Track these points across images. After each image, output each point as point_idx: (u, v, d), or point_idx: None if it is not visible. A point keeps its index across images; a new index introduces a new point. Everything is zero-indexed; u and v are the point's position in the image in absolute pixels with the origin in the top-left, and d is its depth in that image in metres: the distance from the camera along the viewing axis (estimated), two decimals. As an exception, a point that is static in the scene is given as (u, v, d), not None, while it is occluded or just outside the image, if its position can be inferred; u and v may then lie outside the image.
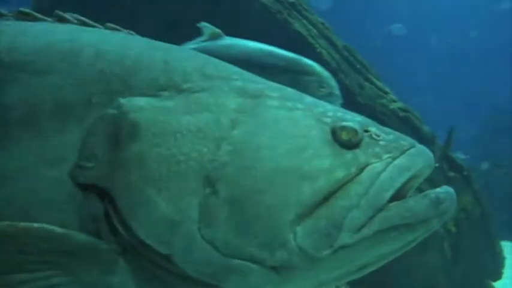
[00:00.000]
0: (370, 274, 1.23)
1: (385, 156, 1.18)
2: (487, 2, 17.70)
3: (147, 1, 4.25)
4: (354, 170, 1.16)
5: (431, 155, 1.22)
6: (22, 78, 1.29)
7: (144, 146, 1.18)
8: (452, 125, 5.00)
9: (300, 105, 1.26)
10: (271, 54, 3.27)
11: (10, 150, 1.22)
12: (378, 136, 1.21)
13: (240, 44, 3.36)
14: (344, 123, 1.20)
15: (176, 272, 1.17)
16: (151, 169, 1.16)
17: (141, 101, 1.24)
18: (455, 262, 4.40)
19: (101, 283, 1.17)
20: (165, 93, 1.26)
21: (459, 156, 5.25)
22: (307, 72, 3.25)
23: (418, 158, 1.20)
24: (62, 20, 1.43)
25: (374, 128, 1.23)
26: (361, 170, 1.16)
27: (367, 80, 4.55)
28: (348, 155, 1.18)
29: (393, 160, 1.18)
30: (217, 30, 3.41)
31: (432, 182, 2.70)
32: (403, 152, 1.19)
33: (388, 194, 1.14)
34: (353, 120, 1.23)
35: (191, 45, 3.35)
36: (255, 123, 1.21)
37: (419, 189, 1.20)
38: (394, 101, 4.51)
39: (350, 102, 3.66)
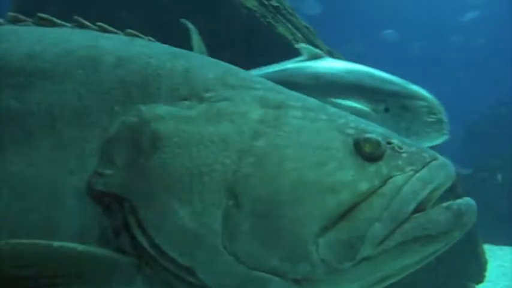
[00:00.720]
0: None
1: (408, 168, 1.18)
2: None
3: (128, 3, 4.23)
4: (377, 182, 1.16)
5: (452, 167, 1.23)
6: (42, 85, 1.27)
7: (166, 156, 1.17)
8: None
9: (323, 116, 1.25)
10: (377, 77, 3.14)
11: (30, 158, 1.20)
12: (401, 148, 1.21)
13: (341, 66, 3.24)
14: (367, 136, 1.20)
15: (196, 284, 1.16)
16: (174, 180, 1.15)
17: (162, 110, 1.23)
18: (438, 264, 4.42)
19: None
20: (187, 103, 1.25)
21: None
22: (418, 97, 3.11)
23: (440, 170, 1.20)
24: (81, 25, 1.41)
25: (396, 140, 1.23)
26: (384, 182, 1.16)
27: (351, 84, 4.57)
28: (371, 167, 1.18)
29: (415, 173, 1.18)
30: (317, 51, 3.33)
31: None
32: (425, 165, 1.19)
33: (411, 208, 1.14)
34: (376, 132, 1.23)
35: (289, 64, 3.27)
36: (277, 134, 1.20)
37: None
38: (378, 105, 4.53)
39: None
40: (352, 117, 1.28)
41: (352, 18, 17.03)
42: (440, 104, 3.21)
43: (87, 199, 1.18)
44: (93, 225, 1.17)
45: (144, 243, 1.15)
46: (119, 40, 1.38)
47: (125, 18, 4.14)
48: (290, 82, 3.26)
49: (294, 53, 3.35)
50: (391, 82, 3.14)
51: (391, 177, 1.17)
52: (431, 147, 1.34)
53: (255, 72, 3.49)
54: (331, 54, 4.66)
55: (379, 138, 1.21)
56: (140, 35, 1.41)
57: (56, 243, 1.11)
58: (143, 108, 1.23)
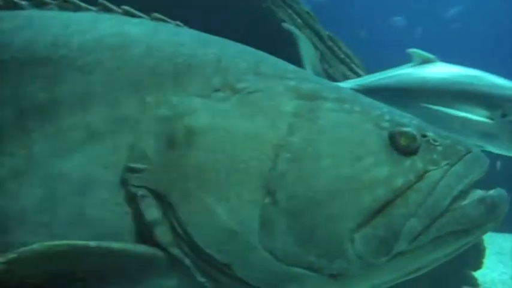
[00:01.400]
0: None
1: (443, 163, 1.17)
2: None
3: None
4: (412, 177, 1.15)
5: (486, 159, 1.23)
6: (71, 76, 1.23)
7: (201, 152, 1.15)
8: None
9: (357, 108, 1.23)
10: (491, 82, 3.00)
11: (62, 151, 1.18)
12: (435, 141, 1.20)
13: (453, 71, 3.13)
14: (403, 129, 1.20)
15: (234, 276, 1.16)
16: (210, 177, 1.14)
17: (196, 103, 1.20)
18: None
19: (147, 285, 1.15)
20: (220, 94, 1.22)
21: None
22: None
23: (475, 164, 1.20)
24: (106, 9, 1.37)
25: (431, 133, 1.22)
26: (420, 177, 1.15)
27: (351, 70, 4.55)
28: (407, 162, 1.17)
29: (451, 167, 1.17)
30: (429, 55, 3.25)
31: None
32: (460, 158, 1.19)
33: (446, 203, 1.14)
34: (411, 124, 1.21)
35: (399, 70, 3.19)
36: (313, 128, 1.18)
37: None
38: (377, 92, 4.52)
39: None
40: (386, 108, 1.26)
41: (358, 4, 16.92)
42: None
43: (121, 193, 1.16)
44: (128, 220, 1.16)
45: (181, 238, 1.15)
46: (147, 26, 1.34)
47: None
48: (399, 88, 3.18)
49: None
50: (507, 87, 3.01)
51: (426, 171, 1.16)
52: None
53: (370, 79, 3.36)
54: (332, 40, 4.65)
55: (415, 132, 1.19)
56: (167, 19, 1.37)
57: (92, 243, 1.10)
58: (176, 100, 1.20)
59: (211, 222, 1.13)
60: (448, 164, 1.17)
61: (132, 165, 1.16)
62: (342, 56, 4.56)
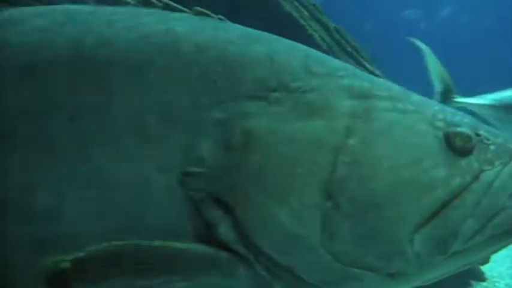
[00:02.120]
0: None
1: (497, 162, 1.19)
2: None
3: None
4: (468, 178, 1.17)
5: None
6: (121, 77, 1.21)
7: (260, 155, 1.15)
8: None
9: (410, 107, 1.24)
10: None
11: (117, 154, 1.18)
12: (488, 140, 1.22)
13: None
14: (458, 130, 1.20)
15: (295, 275, 1.17)
16: (270, 181, 1.14)
17: (252, 106, 1.19)
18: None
19: (215, 284, 1.17)
20: (275, 95, 1.21)
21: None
22: None
23: None
24: (145, 2, 1.35)
25: (484, 131, 1.23)
26: (475, 177, 1.17)
27: (358, 63, 4.51)
28: (462, 162, 1.18)
29: (504, 166, 1.19)
30: None
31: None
32: None
33: (501, 203, 1.16)
34: (464, 123, 1.22)
35: None
36: (370, 130, 1.18)
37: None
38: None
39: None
40: (436, 105, 1.27)
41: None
42: None
43: (178, 196, 1.16)
44: (184, 221, 1.16)
45: (242, 241, 1.15)
46: (192, 22, 1.31)
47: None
48: None
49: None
50: None
51: (481, 171, 1.18)
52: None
53: (507, 93, 3.24)
54: (339, 32, 4.61)
55: (469, 131, 1.20)
56: (210, 13, 1.34)
57: (156, 243, 1.11)
58: (232, 102, 1.19)
59: (273, 226, 1.13)
60: (501, 163, 1.19)
61: (190, 168, 1.16)
62: (349, 49, 4.53)
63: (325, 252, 1.14)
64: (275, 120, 1.18)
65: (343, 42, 4.51)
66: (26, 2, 1.36)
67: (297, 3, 4.43)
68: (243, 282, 1.18)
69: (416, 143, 1.18)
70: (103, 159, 1.17)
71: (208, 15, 1.35)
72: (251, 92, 1.20)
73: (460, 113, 1.28)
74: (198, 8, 1.35)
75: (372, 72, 4.61)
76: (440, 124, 1.21)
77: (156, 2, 1.34)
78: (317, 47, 3.93)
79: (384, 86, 1.28)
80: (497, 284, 5.20)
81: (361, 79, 1.27)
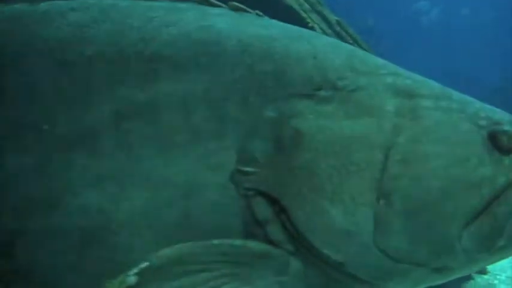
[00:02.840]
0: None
1: None
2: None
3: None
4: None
5: None
6: (166, 74, 1.20)
7: (311, 155, 1.16)
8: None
9: (453, 105, 1.26)
10: None
11: (166, 153, 1.17)
12: None
13: None
14: (502, 128, 1.22)
15: (345, 272, 1.20)
16: (322, 180, 1.15)
17: (300, 104, 1.20)
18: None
19: (271, 284, 1.19)
20: (322, 93, 1.21)
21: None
22: None
23: None
24: None
25: None
26: None
27: (359, 56, 4.50)
28: (506, 160, 1.21)
29: None
30: None
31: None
32: None
33: None
34: (505, 121, 1.25)
35: None
36: (416, 129, 1.20)
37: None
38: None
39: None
40: (477, 103, 1.29)
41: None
42: None
43: (229, 194, 1.17)
44: (235, 219, 1.18)
45: (295, 238, 1.17)
46: (231, 18, 1.30)
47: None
48: None
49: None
50: None
51: None
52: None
53: None
54: (340, 25, 4.59)
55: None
56: (246, 8, 1.34)
57: (216, 241, 1.13)
58: (281, 102, 1.19)
59: (326, 223, 1.15)
60: None
61: (242, 168, 1.17)
62: (351, 41, 4.51)
63: (376, 248, 1.16)
64: (323, 118, 1.18)
65: (344, 34, 4.49)
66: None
67: (297, -5, 4.41)
68: (293, 278, 1.19)
69: (462, 141, 1.20)
70: (152, 159, 1.17)
71: (245, 10, 1.34)
72: (299, 90, 1.21)
73: (498, 110, 1.30)
74: (234, 3, 1.34)
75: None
76: (483, 122, 1.23)
77: None
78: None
79: (425, 84, 1.30)
80: (498, 277, 5.20)
81: (403, 77, 1.29)
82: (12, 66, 1.26)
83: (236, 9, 1.35)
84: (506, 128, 1.23)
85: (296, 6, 4.24)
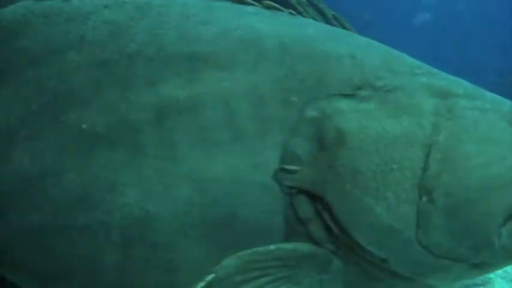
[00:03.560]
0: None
1: None
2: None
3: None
4: None
5: None
6: (207, 73, 1.21)
7: (355, 153, 1.18)
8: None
9: (487, 105, 1.29)
10: None
11: (210, 152, 1.19)
12: None
13: None
14: None
15: (387, 269, 1.23)
16: (366, 177, 1.18)
17: (342, 104, 1.22)
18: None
19: (315, 282, 1.22)
20: (362, 93, 1.24)
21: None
22: None
23: None
24: None
25: None
26: None
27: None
28: None
29: None
30: None
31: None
32: None
33: None
34: None
35: None
36: (455, 128, 1.23)
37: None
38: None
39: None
40: (508, 101, 1.32)
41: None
42: None
43: (271, 193, 1.20)
44: (277, 218, 1.20)
45: (339, 235, 1.20)
46: (267, 17, 1.31)
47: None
48: None
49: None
50: None
51: None
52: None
53: None
54: (337, 19, 4.57)
55: None
56: (279, 7, 1.33)
57: (272, 247, 1.16)
58: (323, 101, 1.21)
59: (371, 220, 1.18)
60: None
61: (286, 166, 1.19)
62: (347, 36, 4.49)
63: (418, 244, 1.19)
64: (365, 117, 1.21)
65: (341, 29, 4.47)
66: None
67: (294, -11, 4.39)
68: (333, 276, 1.22)
69: (500, 140, 1.23)
70: (195, 157, 1.19)
71: (279, 9, 1.34)
72: (339, 90, 1.23)
73: None
74: (268, 2, 1.34)
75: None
76: None
77: None
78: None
79: (459, 83, 1.33)
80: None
81: (438, 77, 1.32)
82: (49, 64, 1.27)
83: (270, 7, 1.35)
84: None
85: (292, 0, 4.21)
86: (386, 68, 1.28)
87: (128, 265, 1.21)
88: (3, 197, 1.26)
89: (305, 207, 1.21)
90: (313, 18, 4.33)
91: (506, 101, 1.33)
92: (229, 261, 1.13)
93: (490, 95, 1.34)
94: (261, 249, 1.16)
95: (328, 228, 1.21)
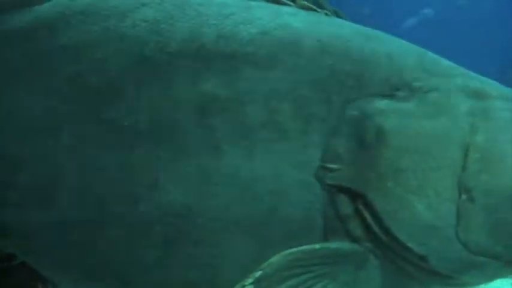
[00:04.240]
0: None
1: None
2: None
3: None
4: None
5: None
6: (248, 72, 1.24)
7: (396, 151, 1.22)
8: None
9: None
10: None
11: (251, 150, 1.22)
12: None
13: None
14: None
15: (425, 268, 1.25)
16: (408, 175, 1.21)
17: (382, 104, 1.25)
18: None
19: (351, 279, 1.24)
20: (400, 94, 1.27)
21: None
22: None
23: None
24: None
25: None
26: None
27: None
28: None
29: None
30: None
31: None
32: None
33: None
34: None
35: None
36: (491, 128, 1.26)
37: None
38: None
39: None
40: None
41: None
42: None
43: (312, 191, 1.22)
44: (318, 215, 1.23)
45: (379, 232, 1.22)
46: (304, 17, 1.33)
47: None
48: None
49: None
50: None
51: None
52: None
53: None
54: (338, 15, 4.48)
55: None
56: (313, 6, 1.34)
57: (317, 246, 1.19)
58: (362, 101, 1.24)
59: (413, 218, 1.20)
60: None
61: (328, 165, 1.22)
62: (347, 32, 4.41)
63: (457, 241, 1.21)
64: (404, 117, 1.23)
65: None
66: None
67: (293, -16, 4.30)
68: (369, 273, 1.25)
69: None
70: (237, 155, 1.21)
71: (314, 10, 1.36)
72: (378, 90, 1.26)
73: None
74: (303, 2, 1.35)
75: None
76: None
77: None
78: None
79: (492, 85, 1.36)
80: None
81: (472, 78, 1.33)
82: (90, 61, 1.28)
83: (304, 8, 1.37)
84: None
85: (292, -5, 4.13)
86: (422, 69, 1.30)
87: (169, 262, 1.23)
88: (42, 192, 1.28)
89: (345, 205, 1.24)
90: (313, 14, 4.25)
91: None
92: (277, 259, 1.16)
93: None
94: (307, 248, 1.19)
95: (367, 226, 1.23)
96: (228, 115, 1.22)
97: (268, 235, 1.21)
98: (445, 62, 1.39)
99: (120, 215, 1.24)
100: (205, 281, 1.22)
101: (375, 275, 1.27)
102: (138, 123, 1.23)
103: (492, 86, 1.36)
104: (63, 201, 1.26)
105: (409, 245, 1.22)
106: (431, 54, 1.39)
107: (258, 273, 1.14)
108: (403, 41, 1.42)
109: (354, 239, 1.24)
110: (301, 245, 1.20)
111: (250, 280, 1.14)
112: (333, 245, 1.22)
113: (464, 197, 1.21)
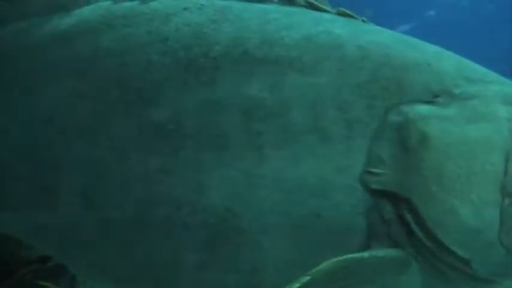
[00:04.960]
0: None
1: None
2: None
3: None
4: None
5: None
6: (293, 77, 1.24)
7: (439, 156, 1.21)
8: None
9: None
10: None
11: (294, 153, 1.21)
12: None
13: None
14: None
15: (467, 272, 1.23)
16: (451, 180, 1.20)
17: (424, 109, 1.25)
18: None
19: (391, 283, 1.23)
20: (440, 100, 1.26)
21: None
22: None
23: None
24: (289, 2, 1.36)
25: None
26: None
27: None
28: None
29: None
30: None
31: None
32: None
33: None
34: None
35: None
36: None
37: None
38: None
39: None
40: None
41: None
42: None
43: (357, 195, 1.21)
44: (361, 219, 1.22)
45: (422, 237, 1.21)
46: (344, 23, 1.33)
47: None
48: None
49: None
50: None
51: None
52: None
53: None
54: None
55: None
56: (352, 13, 1.36)
57: (366, 254, 1.18)
58: (405, 106, 1.24)
59: (457, 221, 1.19)
60: None
61: (371, 169, 1.21)
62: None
63: (500, 245, 1.20)
64: (446, 123, 1.23)
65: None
66: None
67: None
68: (410, 278, 1.24)
69: None
70: (281, 159, 1.21)
71: (352, 17, 1.37)
72: (420, 97, 1.25)
73: None
74: (342, 9, 1.36)
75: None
76: None
77: (299, 1, 1.35)
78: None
79: None
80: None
81: (508, 85, 1.34)
82: (133, 65, 1.28)
83: (343, 14, 1.37)
84: None
85: (294, -2, 4.14)
86: (461, 77, 1.30)
87: (211, 265, 1.23)
88: (83, 193, 1.28)
89: (388, 210, 1.22)
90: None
91: None
92: (326, 265, 1.14)
93: None
94: (356, 256, 1.18)
95: (410, 231, 1.22)
96: (273, 120, 1.22)
97: (310, 239, 1.21)
98: (481, 68, 1.39)
99: (162, 218, 1.23)
100: (246, 285, 1.22)
101: (415, 280, 1.26)
102: (182, 127, 1.23)
103: None
104: (104, 203, 1.27)
105: (453, 248, 1.21)
106: (466, 61, 1.39)
107: (306, 279, 1.14)
108: (439, 48, 1.42)
109: (396, 244, 1.24)
110: (343, 249, 1.19)
111: (297, 285, 1.13)
112: (381, 253, 1.21)
113: (506, 201, 1.20)
